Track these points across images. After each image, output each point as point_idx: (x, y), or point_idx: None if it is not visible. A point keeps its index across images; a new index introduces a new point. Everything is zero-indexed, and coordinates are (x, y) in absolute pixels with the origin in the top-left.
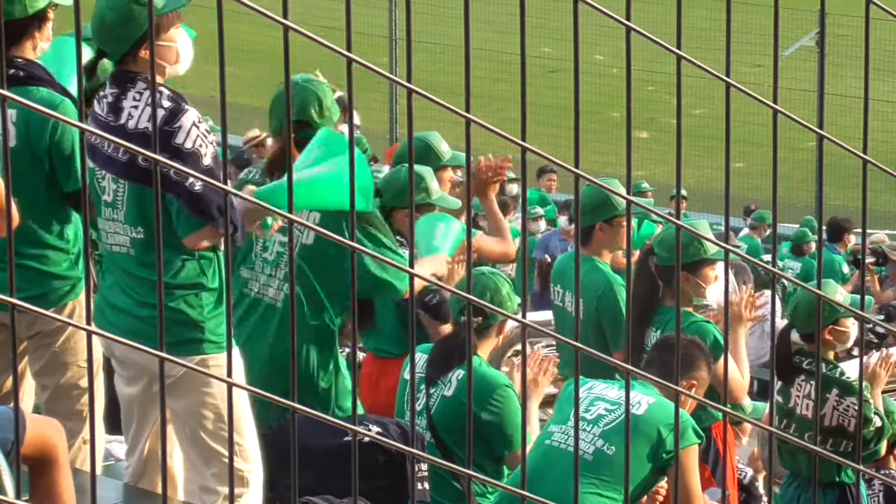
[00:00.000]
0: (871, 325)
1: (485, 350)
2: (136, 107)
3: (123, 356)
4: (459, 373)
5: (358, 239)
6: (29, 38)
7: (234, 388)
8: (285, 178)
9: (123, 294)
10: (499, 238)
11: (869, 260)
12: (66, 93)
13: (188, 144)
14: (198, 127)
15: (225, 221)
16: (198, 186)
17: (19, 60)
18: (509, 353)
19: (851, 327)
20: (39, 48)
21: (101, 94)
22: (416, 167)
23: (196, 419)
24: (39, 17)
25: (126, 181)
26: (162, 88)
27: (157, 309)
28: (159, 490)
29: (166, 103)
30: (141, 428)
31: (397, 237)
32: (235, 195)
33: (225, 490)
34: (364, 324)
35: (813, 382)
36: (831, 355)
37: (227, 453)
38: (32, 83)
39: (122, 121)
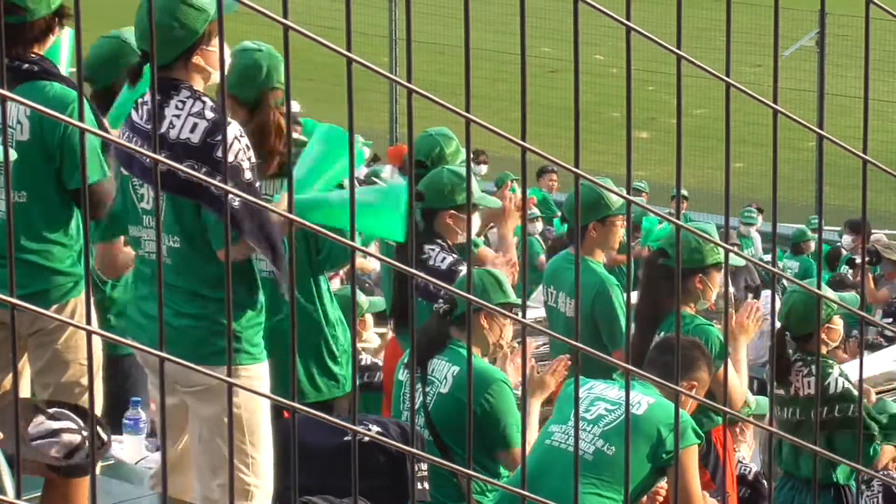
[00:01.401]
0: (878, 329)
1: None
2: (178, 116)
3: (156, 366)
4: (455, 369)
5: None
6: (50, 35)
7: (258, 401)
8: (328, 193)
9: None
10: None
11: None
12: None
13: (230, 158)
14: (240, 140)
15: (226, 229)
16: (236, 203)
17: (33, 55)
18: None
19: (840, 324)
20: (50, 41)
21: (141, 100)
22: (459, 169)
23: (217, 425)
24: (59, 13)
25: (163, 192)
26: (206, 99)
27: (197, 321)
28: (179, 495)
29: (210, 114)
30: (175, 436)
31: (437, 241)
32: (239, 196)
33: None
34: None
35: (812, 366)
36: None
37: (239, 465)
38: (46, 78)
39: (163, 129)
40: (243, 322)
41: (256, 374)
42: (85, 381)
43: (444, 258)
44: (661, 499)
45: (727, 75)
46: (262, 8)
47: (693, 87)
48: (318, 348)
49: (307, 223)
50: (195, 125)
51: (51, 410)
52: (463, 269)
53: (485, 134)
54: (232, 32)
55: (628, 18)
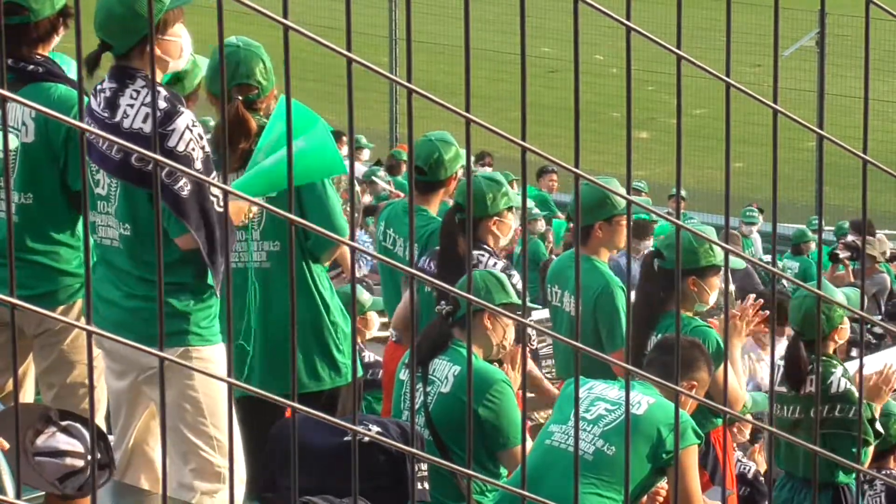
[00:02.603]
0: (868, 325)
1: (473, 343)
2: (131, 105)
3: (112, 349)
4: (456, 369)
5: (318, 188)
6: (55, 35)
7: (214, 382)
8: (256, 166)
9: (112, 287)
10: None
11: (844, 255)
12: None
13: (181, 148)
14: (191, 130)
15: (226, 224)
16: (185, 192)
17: (38, 57)
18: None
19: (847, 323)
20: (54, 42)
21: (99, 87)
22: (494, 174)
23: (176, 411)
24: (63, 13)
25: (118, 180)
26: (160, 89)
27: (146, 302)
28: (143, 484)
29: (162, 104)
30: (128, 421)
31: (483, 247)
32: (236, 195)
33: (202, 486)
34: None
35: (813, 363)
36: (831, 352)
37: (205, 447)
38: (52, 79)
39: (118, 118)
40: (191, 304)
41: (210, 356)
42: None
43: (496, 262)
44: (661, 499)
45: (727, 75)
46: (262, 8)
47: (693, 87)
48: (320, 336)
49: (303, 221)
50: (147, 115)
51: (63, 423)
52: (514, 272)
53: (485, 134)
54: (231, 32)
55: (628, 18)
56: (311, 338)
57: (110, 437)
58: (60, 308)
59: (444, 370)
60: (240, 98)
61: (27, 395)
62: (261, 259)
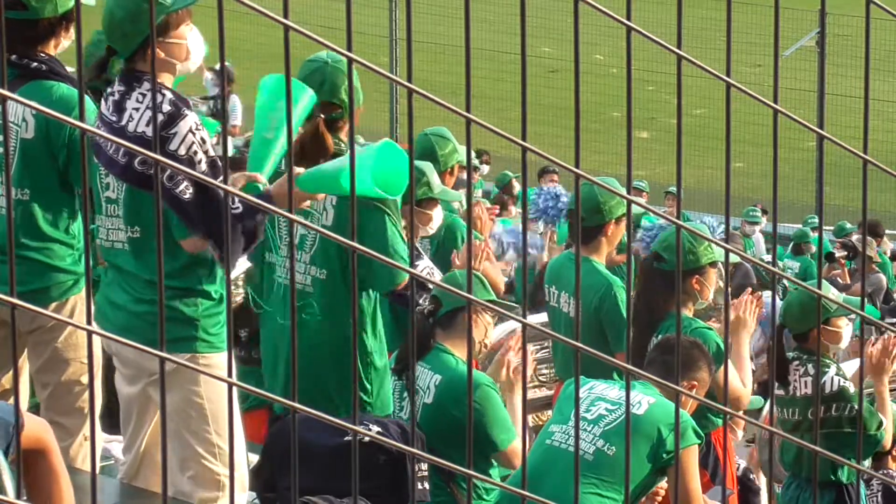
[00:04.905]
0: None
1: (455, 345)
2: (137, 109)
3: (121, 352)
4: (437, 378)
5: (377, 222)
6: (54, 37)
7: (221, 389)
8: (332, 162)
9: (121, 291)
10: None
11: (840, 254)
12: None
13: (182, 151)
14: (194, 133)
15: (226, 226)
16: (188, 195)
17: (42, 55)
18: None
19: (844, 328)
20: (61, 45)
21: (109, 91)
22: (417, 162)
23: (180, 417)
24: (67, 17)
25: (123, 183)
26: (165, 91)
27: (154, 306)
28: (153, 488)
29: (166, 107)
30: (138, 425)
31: None
32: (236, 195)
33: (200, 494)
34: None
35: (809, 364)
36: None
37: (206, 455)
38: (54, 78)
39: (124, 122)
40: (200, 311)
41: (218, 362)
42: (85, 379)
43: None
44: (660, 499)
45: (727, 75)
46: (262, 8)
47: (693, 87)
48: (344, 370)
49: (309, 224)
50: (150, 119)
51: None
52: (420, 264)
53: (485, 134)
54: (233, 32)
55: (628, 18)
56: (334, 370)
57: (119, 438)
58: (53, 305)
59: (427, 379)
60: (322, 116)
61: (22, 394)
62: (304, 282)
